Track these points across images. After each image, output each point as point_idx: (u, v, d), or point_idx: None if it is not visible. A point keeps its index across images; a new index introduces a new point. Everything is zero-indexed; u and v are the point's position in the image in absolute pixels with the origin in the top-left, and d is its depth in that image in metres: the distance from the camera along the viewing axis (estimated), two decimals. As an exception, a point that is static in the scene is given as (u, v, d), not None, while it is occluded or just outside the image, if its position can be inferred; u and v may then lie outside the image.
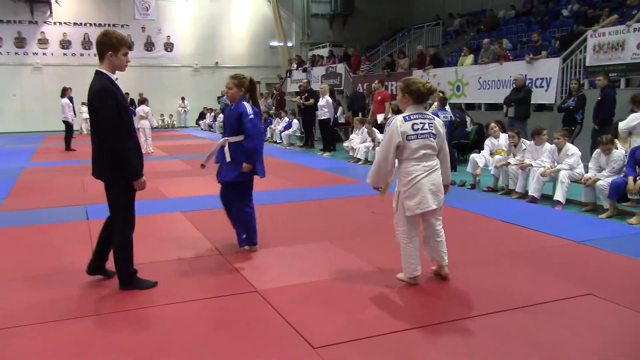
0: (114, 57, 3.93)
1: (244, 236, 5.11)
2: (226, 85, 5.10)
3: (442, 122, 4.19)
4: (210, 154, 5.11)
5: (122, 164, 3.91)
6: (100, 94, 3.83)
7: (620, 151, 6.79)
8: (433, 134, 4.03)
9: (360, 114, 14.66)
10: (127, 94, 21.82)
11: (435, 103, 10.37)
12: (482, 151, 8.73)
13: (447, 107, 10.57)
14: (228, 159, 4.91)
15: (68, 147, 15.01)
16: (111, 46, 3.90)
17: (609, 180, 6.55)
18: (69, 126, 15.22)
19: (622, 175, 6.47)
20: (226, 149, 4.94)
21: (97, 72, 3.94)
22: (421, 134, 3.98)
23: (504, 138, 8.42)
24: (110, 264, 4.27)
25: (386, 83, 15.18)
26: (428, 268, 4.44)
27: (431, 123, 4.04)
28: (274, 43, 26.10)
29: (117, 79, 3.97)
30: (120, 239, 4.11)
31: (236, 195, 5.03)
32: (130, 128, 4.02)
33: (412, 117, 4.01)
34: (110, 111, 3.83)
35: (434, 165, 4.06)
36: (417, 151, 3.98)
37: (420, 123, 3.99)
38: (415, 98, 4.06)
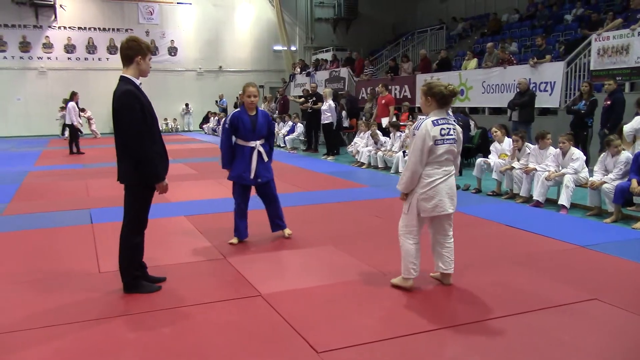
0: (143, 61, 4.04)
1: (279, 222, 5.73)
2: (252, 94, 5.38)
3: (460, 129, 4.18)
4: (253, 166, 5.48)
5: (144, 167, 3.96)
6: (125, 98, 3.90)
7: (626, 153, 6.77)
8: (454, 139, 4.07)
9: (355, 119, 14.73)
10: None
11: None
12: (489, 156, 8.72)
13: (449, 112, 10.57)
14: (266, 159, 5.52)
15: (72, 151, 15.07)
16: (140, 51, 4.02)
17: (615, 183, 6.53)
18: (74, 130, 15.27)
19: (626, 180, 6.45)
20: (262, 151, 5.46)
21: (122, 78, 4.02)
22: (447, 139, 4.01)
23: (507, 142, 8.40)
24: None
25: (390, 87, 15.17)
26: (429, 273, 4.43)
27: (455, 128, 4.08)
28: (278, 47, 26.12)
29: (140, 83, 4.06)
30: (127, 242, 4.13)
31: (273, 187, 5.68)
32: (155, 132, 4.08)
33: (439, 121, 4.02)
34: (134, 114, 3.89)
35: (451, 170, 4.11)
36: (442, 156, 4.01)
37: (447, 128, 4.02)
38: (439, 101, 4.06)
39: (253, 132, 5.42)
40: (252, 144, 5.43)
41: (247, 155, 5.43)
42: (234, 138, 5.51)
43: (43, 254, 5.31)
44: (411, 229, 4.14)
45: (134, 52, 4.00)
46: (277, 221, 5.76)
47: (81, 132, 15.95)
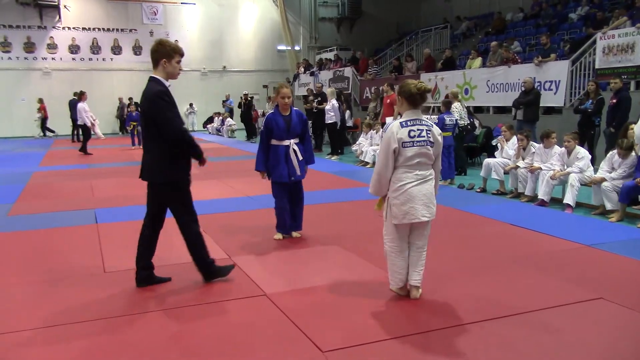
0: (168, 64, 4.10)
1: (296, 223, 5.81)
2: (286, 95, 5.54)
3: (440, 131, 3.97)
4: (295, 162, 5.57)
5: (188, 147, 4.12)
6: (160, 98, 4.00)
7: (634, 156, 6.73)
8: (430, 141, 3.83)
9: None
10: (131, 98, 21.97)
11: (459, 106, 10.58)
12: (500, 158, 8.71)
13: (459, 108, 10.58)
14: (300, 157, 5.59)
15: (85, 151, 15.13)
16: (165, 54, 4.08)
17: (615, 183, 6.51)
18: (86, 129, 15.33)
19: (632, 180, 6.42)
20: (297, 149, 5.56)
21: (152, 78, 4.11)
22: (417, 141, 3.79)
23: (512, 142, 8.38)
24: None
25: (395, 86, 15.16)
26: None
27: (429, 130, 3.83)
28: (282, 47, 26.14)
29: (170, 85, 4.14)
30: (190, 234, 4.29)
31: (301, 188, 5.78)
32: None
33: (408, 123, 3.82)
34: (168, 106, 4.00)
35: (427, 175, 3.87)
36: (412, 159, 3.80)
37: (417, 130, 3.80)
38: (408, 100, 3.87)
39: (288, 131, 5.55)
40: (286, 142, 5.55)
41: (282, 154, 5.53)
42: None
43: (48, 254, 5.32)
44: (391, 237, 3.96)
45: (159, 55, 4.09)
46: (295, 222, 5.82)
47: (94, 133, 16.01)
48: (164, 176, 4.13)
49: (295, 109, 5.70)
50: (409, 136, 3.78)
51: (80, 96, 15.59)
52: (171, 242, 5.63)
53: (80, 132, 15.71)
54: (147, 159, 4.20)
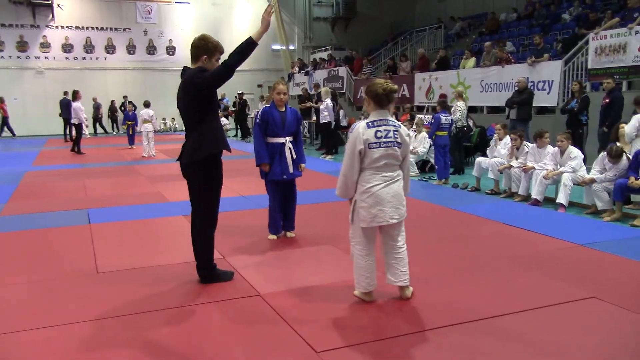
0: (208, 61, 4.07)
1: (289, 223, 5.81)
2: (282, 91, 5.53)
3: (407, 132, 3.85)
4: (289, 161, 5.56)
5: (241, 52, 3.99)
6: (197, 73, 3.98)
7: (626, 161, 6.73)
8: (398, 142, 3.74)
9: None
10: (125, 97, 21.88)
11: (462, 105, 10.73)
12: (488, 154, 8.75)
13: (463, 108, 10.65)
14: (294, 156, 5.57)
15: (79, 150, 15.08)
16: (207, 51, 4.06)
17: (605, 184, 6.56)
18: (80, 129, 15.26)
19: (624, 178, 6.46)
20: (291, 147, 5.56)
21: (186, 68, 4.10)
22: (384, 142, 3.70)
23: (505, 141, 8.40)
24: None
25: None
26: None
27: (396, 131, 3.74)
28: (276, 46, 26.11)
29: None
30: (204, 235, 4.29)
31: (295, 187, 5.77)
32: (216, 115, 4.26)
33: (375, 123, 3.74)
34: (210, 73, 3.96)
35: (395, 176, 3.79)
36: (379, 160, 3.71)
37: (384, 130, 3.71)
38: (374, 100, 3.78)
39: (282, 128, 5.52)
40: (281, 139, 5.52)
41: (277, 151, 5.51)
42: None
43: (40, 255, 5.30)
44: (359, 240, 3.88)
45: (201, 51, 4.05)
46: (287, 223, 5.82)
47: (85, 134, 15.92)
48: (203, 152, 4.07)
49: (290, 107, 5.69)
50: (376, 137, 3.70)
51: (75, 95, 15.51)
52: (164, 243, 5.63)
53: (74, 132, 15.59)
54: (188, 143, 4.15)
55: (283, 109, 5.56)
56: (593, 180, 6.70)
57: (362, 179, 3.78)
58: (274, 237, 5.71)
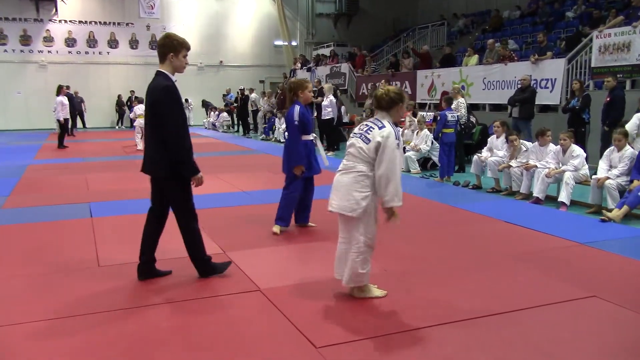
0: (175, 58, 4.08)
1: (308, 214, 5.99)
2: (312, 89, 5.72)
3: (385, 134, 3.66)
4: (323, 155, 5.98)
5: (182, 162, 4.02)
6: (165, 92, 3.97)
7: (631, 149, 6.76)
8: (367, 138, 3.71)
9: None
10: (133, 92, 21.86)
11: (461, 102, 10.72)
12: (483, 150, 8.76)
13: (464, 104, 10.66)
14: (323, 150, 5.91)
15: (60, 145, 15.06)
16: (173, 48, 4.05)
17: (619, 180, 6.54)
18: (61, 124, 15.22)
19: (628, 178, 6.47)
20: (318, 143, 5.83)
21: (159, 72, 4.09)
22: (355, 133, 3.83)
23: (502, 139, 8.39)
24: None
25: (391, 83, 15.16)
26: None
27: (371, 128, 3.74)
28: (279, 42, 26.07)
29: (176, 80, 4.11)
30: (188, 231, 4.25)
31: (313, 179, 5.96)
32: (186, 128, 4.13)
33: (366, 124, 3.85)
34: (174, 109, 3.98)
35: (350, 167, 3.77)
36: (347, 147, 3.87)
37: (365, 126, 3.81)
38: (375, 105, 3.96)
39: (312, 125, 5.77)
40: (311, 136, 5.71)
41: (311, 147, 5.70)
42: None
43: (42, 248, 5.31)
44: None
45: (167, 49, 4.05)
46: (307, 213, 6.00)
47: (67, 128, 15.82)
48: (167, 170, 4.07)
49: (300, 104, 5.64)
50: (359, 128, 3.85)
51: (60, 90, 15.42)
52: (171, 236, 5.62)
53: (58, 127, 15.47)
54: (150, 153, 4.15)
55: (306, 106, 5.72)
56: (607, 178, 6.66)
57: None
58: (279, 229, 5.71)
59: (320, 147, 5.87)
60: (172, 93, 3.99)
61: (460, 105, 10.59)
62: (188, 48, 4.16)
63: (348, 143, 3.87)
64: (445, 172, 9.30)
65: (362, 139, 3.75)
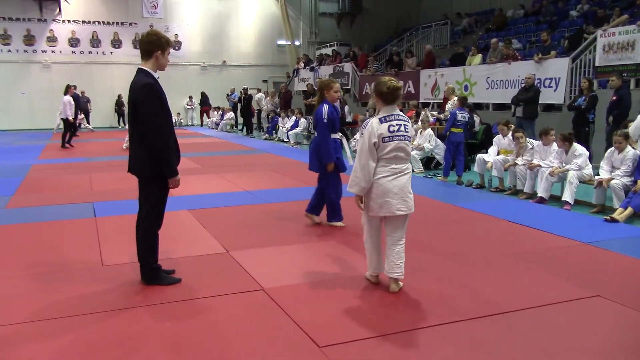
0: (162, 56, 4.05)
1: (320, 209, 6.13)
2: (339, 89, 5.80)
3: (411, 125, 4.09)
4: (348, 152, 6.39)
5: (161, 161, 3.97)
6: (146, 90, 3.92)
7: (633, 150, 6.74)
8: (408, 137, 3.96)
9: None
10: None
11: (455, 101, 10.61)
12: (489, 150, 8.73)
13: (455, 102, 10.67)
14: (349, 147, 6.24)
15: (63, 145, 15.11)
16: (160, 46, 4.03)
17: (624, 180, 6.51)
18: (67, 124, 15.25)
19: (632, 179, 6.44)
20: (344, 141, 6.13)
21: (141, 70, 4.04)
22: (397, 135, 3.89)
23: (509, 138, 8.38)
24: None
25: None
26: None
27: (407, 125, 3.97)
28: (282, 42, 26.09)
29: (158, 77, 4.07)
30: (145, 235, 4.15)
31: None
32: (170, 126, 4.08)
33: (387, 118, 3.92)
34: (155, 107, 3.93)
35: (404, 169, 3.96)
36: (390, 153, 3.90)
37: (397, 124, 3.91)
38: (381, 98, 3.99)
39: (337, 123, 5.86)
40: (337, 135, 5.90)
41: (339, 145, 5.90)
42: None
43: (46, 247, 5.32)
44: (366, 227, 4.14)
45: (154, 46, 4.02)
46: (320, 209, 6.11)
47: (76, 128, 15.84)
48: (151, 169, 4.02)
49: (329, 103, 5.75)
50: (389, 131, 3.89)
51: (67, 89, 15.48)
52: (169, 236, 5.64)
53: (62, 125, 15.47)
54: (134, 152, 4.09)
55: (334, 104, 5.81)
56: (611, 179, 6.64)
57: (376, 169, 3.96)
58: (342, 223, 5.98)
59: (346, 146, 6.09)
60: (153, 90, 3.93)
61: (455, 104, 10.60)
62: (172, 46, 4.18)
63: (389, 148, 3.89)
64: (449, 171, 9.29)
65: (406, 139, 3.96)
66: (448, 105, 10.16)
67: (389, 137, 3.87)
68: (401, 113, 4.03)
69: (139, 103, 3.94)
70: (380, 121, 3.91)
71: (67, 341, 3.29)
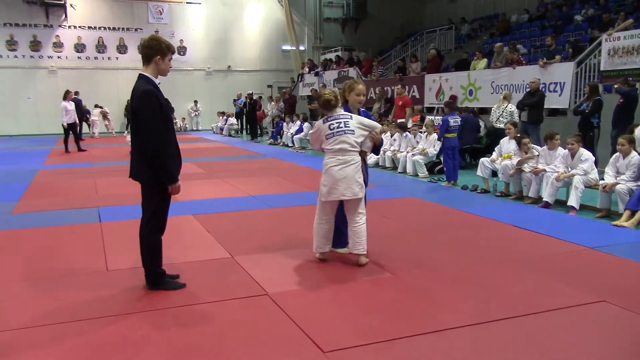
0: (162, 61, 4.03)
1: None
2: (362, 92, 4.90)
3: (361, 119, 4.73)
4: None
5: (160, 167, 3.96)
6: (146, 97, 3.90)
7: (638, 156, 6.71)
8: (350, 130, 4.62)
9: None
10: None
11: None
12: (494, 153, 8.74)
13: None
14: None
15: (67, 149, 15.21)
16: (160, 51, 4.01)
17: (630, 185, 6.48)
18: (68, 129, 15.29)
19: (638, 183, 6.41)
20: None
21: (141, 76, 4.03)
22: (337, 132, 4.62)
23: (514, 142, 8.36)
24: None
25: (406, 86, 15.15)
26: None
27: (347, 121, 4.65)
28: (286, 47, 26.15)
29: (159, 83, 4.06)
30: (149, 240, 4.13)
31: None
32: (171, 132, 4.08)
33: (328, 119, 4.71)
34: (154, 114, 3.91)
35: (349, 160, 4.60)
36: (334, 146, 4.62)
37: (336, 123, 4.65)
38: (321, 108, 4.82)
39: None
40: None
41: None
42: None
43: (51, 252, 5.34)
44: (317, 210, 4.84)
45: (154, 51, 4.01)
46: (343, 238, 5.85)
47: (75, 133, 15.91)
48: (152, 176, 4.01)
49: (363, 109, 5.07)
50: (329, 129, 4.66)
51: (66, 95, 15.54)
52: (173, 241, 5.65)
53: (66, 131, 15.55)
54: (136, 158, 4.08)
55: (356, 113, 4.96)
56: (616, 184, 6.62)
57: (323, 161, 4.73)
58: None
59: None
60: (153, 97, 3.91)
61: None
62: (174, 52, 4.14)
63: (332, 142, 4.63)
64: (452, 175, 9.31)
65: (347, 133, 4.64)
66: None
67: (330, 133, 4.64)
68: (344, 113, 4.73)
69: (138, 110, 3.94)
70: (323, 122, 4.73)
71: (71, 346, 3.30)
